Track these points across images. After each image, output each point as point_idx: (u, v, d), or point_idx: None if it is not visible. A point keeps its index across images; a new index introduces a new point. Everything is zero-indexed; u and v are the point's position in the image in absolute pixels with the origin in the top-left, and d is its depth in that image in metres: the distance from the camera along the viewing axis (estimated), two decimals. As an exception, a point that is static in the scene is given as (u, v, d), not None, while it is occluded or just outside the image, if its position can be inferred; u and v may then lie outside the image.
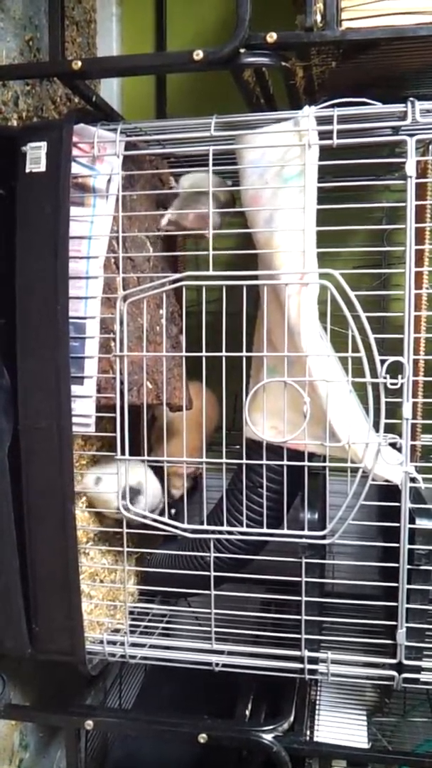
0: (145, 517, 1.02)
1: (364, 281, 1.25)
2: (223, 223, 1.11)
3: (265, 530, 1.03)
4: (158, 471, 1.11)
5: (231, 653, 1.03)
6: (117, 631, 1.10)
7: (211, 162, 0.94)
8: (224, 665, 1.02)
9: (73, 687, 1.19)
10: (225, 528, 1.05)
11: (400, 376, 0.88)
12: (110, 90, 1.59)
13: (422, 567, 0.93)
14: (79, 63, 0.95)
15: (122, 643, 1.06)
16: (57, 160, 0.93)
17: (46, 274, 0.93)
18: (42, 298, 0.94)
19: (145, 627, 1.13)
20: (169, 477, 1.18)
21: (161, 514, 1.08)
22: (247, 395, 0.99)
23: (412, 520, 0.92)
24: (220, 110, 0.97)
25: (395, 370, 0.88)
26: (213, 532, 1.05)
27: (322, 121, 0.91)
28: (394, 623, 0.95)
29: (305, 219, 0.91)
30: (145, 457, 1.01)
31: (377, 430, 0.91)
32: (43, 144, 0.93)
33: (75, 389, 0.96)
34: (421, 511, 0.93)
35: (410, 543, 0.92)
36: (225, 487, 1.08)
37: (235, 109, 1.01)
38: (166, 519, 1.03)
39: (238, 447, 1.08)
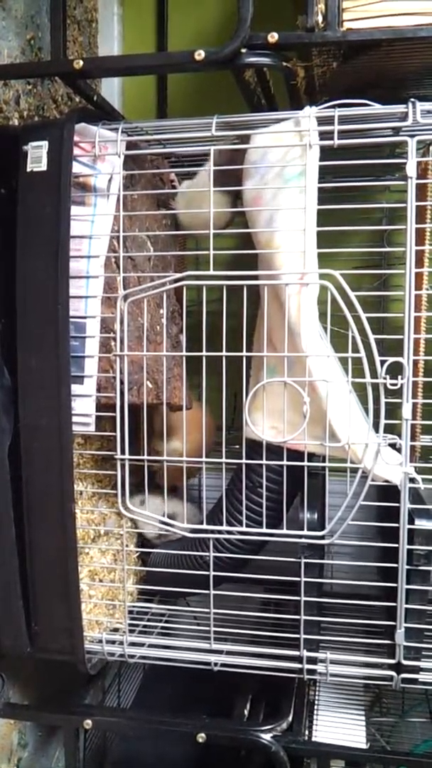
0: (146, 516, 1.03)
1: (364, 282, 1.26)
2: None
3: (264, 530, 1.03)
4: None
5: (230, 653, 1.03)
6: (116, 630, 1.10)
7: (212, 162, 0.94)
8: (223, 665, 1.02)
9: (72, 686, 1.19)
10: (224, 528, 1.05)
11: (399, 377, 0.88)
12: (111, 89, 1.59)
13: (421, 567, 0.93)
14: (81, 62, 0.95)
15: (121, 643, 1.06)
16: (58, 160, 0.93)
17: (47, 273, 0.93)
18: (42, 297, 0.94)
19: (144, 626, 1.13)
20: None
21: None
22: (247, 395, 0.99)
23: (411, 521, 0.92)
24: (221, 110, 0.97)
25: (395, 370, 0.88)
26: (212, 531, 1.05)
27: (323, 121, 0.91)
28: (392, 623, 0.95)
29: (306, 219, 0.91)
30: (145, 457, 1.01)
31: (377, 431, 0.91)
32: (45, 143, 0.93)
33: (75, 388, 0.96)
34: (421, 512, 0.94)
35: (409, 543, 0.92)
36: (224, 487, 1.09)
37: (236, 109, 1.01)
38: (166, 519, 1.03)
39: (237, 447, 1.08)
